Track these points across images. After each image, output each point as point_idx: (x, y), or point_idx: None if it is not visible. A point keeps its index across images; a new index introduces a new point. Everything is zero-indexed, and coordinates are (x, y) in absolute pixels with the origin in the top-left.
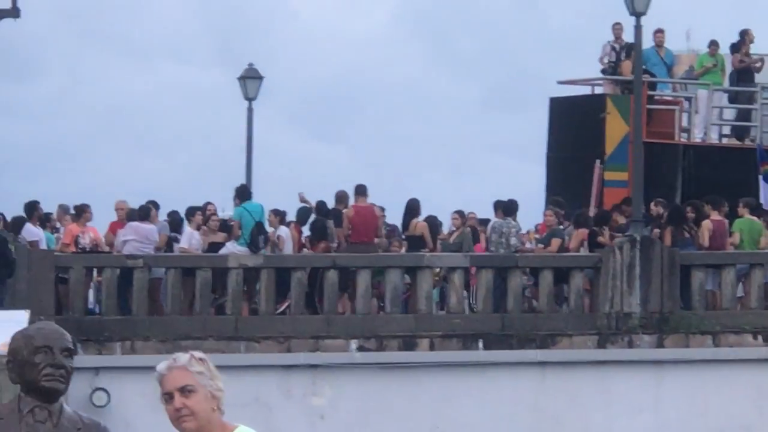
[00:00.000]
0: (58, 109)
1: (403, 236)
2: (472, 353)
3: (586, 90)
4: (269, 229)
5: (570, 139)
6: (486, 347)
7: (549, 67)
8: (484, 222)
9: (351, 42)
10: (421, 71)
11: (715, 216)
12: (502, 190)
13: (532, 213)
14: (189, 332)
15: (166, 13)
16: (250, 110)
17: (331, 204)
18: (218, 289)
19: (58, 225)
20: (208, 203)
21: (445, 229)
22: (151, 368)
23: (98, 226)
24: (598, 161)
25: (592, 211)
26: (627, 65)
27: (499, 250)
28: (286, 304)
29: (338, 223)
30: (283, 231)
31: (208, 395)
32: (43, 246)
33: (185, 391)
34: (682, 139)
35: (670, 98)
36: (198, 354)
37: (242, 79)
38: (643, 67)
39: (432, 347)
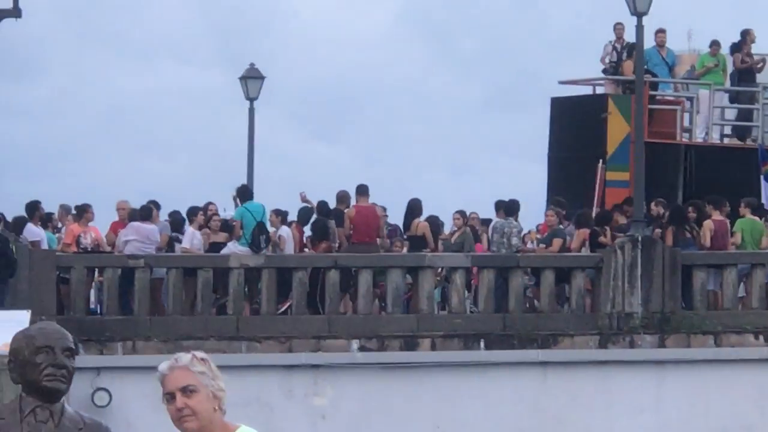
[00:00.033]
0: (59, 109)
1: (405, 236)
2: (474, 353)
3: (587, 90)
4: (270, 229)
5: (571, 139)
6: (487, 347)
7: (550, 67)
8: (486, 222)
9: (352, 42)
10: (422, 71)
11: (717, 216)
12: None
13: (534, 213)
14: (190, 332)
15: (167, 13)
16: (251, 110)
17: (332, 204)
18: (219, 289)
19: (59, 225)
20: (210, 203)
21: (447, 230)
22: (153, 368)
23: (100, 226)
24: (600, 161)
25: (594, 211)
26: (628, 65)
27: (500, 250)
28: (287, 304)
29: (339, 223)
30: (285, 231)
31: (209, 395)
32: (45, 246)
33: (187, 391)
34: (683, 139)
35: (671, 98)
36: (200, 354)
37: (243, 79)
38: (645, 67)
39: (433, 347)
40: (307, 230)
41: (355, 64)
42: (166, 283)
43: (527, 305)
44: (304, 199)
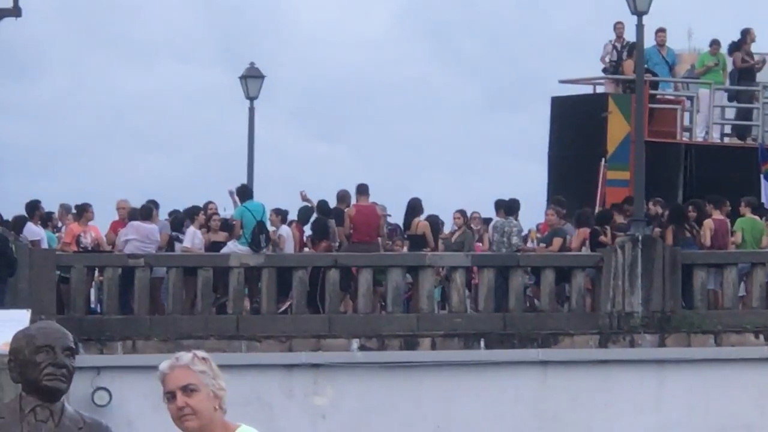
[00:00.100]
0: (59, 108)
1: (405, 235)
2: (474, 353)
3: (587, 89)
4: (270, 229)
5: (571, 139)
6: (487, 347)
7: (551, 66)
8: (488, 221)
9: (353, 41)
10: (422, 71)
11: (717, 215)
12: (503, 190)
13: (534, 212)
14: (190, 331)
15: (167, 13)
16: (251, 109)
17: (332, 203)
18: (220, 289)
19: (59, 224)
20: (210, 202)
21: (447, 229)
22: (153, 367)
23: (100, 226)
24: (603, 160)
25: (597, 211)
26: (629, 64)
27: (500, 250)
28: (287, 303)
29: (340, 223)
30: (285, 230)
31: (210, 394)
32: (45, 245)
33: (188, 390)
34: (683, 139)
35: (671, 97)
36: (200, 353)
37: (243, 78)
38: (645, 66)
39: (433, 347)
40: (308, 229)
41: (355, 63)
42: (166, 282)
43: (527, 304)
44: (304, 198)
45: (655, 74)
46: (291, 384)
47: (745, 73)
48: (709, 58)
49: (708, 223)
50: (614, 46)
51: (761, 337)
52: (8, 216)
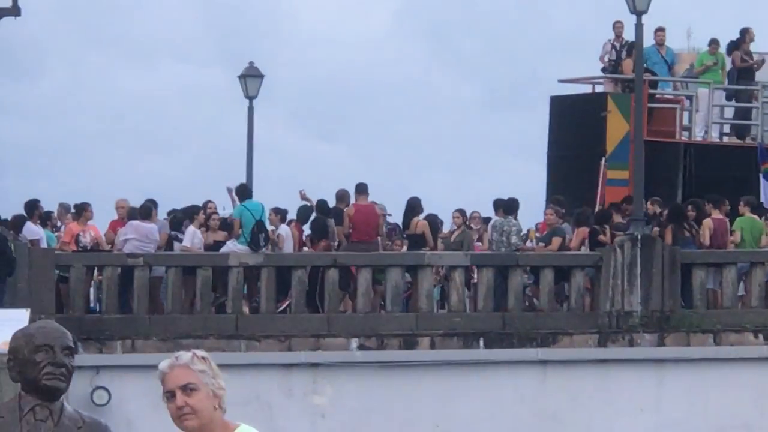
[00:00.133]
0: (58, 108)
1: (404, 235)
2: (473, 352)
3: (586, 88)
4: (270, 228)
5: (571, 138)
6: (487, 346)
7: (550, 65)
8: (487, 221)
9: (352, 41)
10: (422, 70)
11: (716, 214)
12: (503, 189)
13: (533, 212)
14: (189, 331)
15: (167, 12)
16: (250, 109)
17: (331, 203)
18: (219, 288)
19: (58, 224)
20: (209, 201)
21: (446, 228)
22: (152, 367)
23: (99, 225)
24: (603, 160)
25: (597, 210)
26: (628, 64)
27: (499, 249)
28: (286, 302)
29: (339, 222)
30: (284, 229)
31: (210, 394)
32: (44, 245)
33: (187, 389)
34: (683, 138)
35: (670, 97)
36: (200, 352)
37: (243, 77)
38: (644, 65)
39: (433, 346)
40: (307, 229)
41: (354, 62)
42: (166, 281)
43: (527, 304)
44: (303, 197)
45: (654, 74)
46: (290, 383)
47: (744, 73)
48: (707, 58)
49: (707, 222)
50: (613, 46)
51: (760, 336)
52: (7, 215)
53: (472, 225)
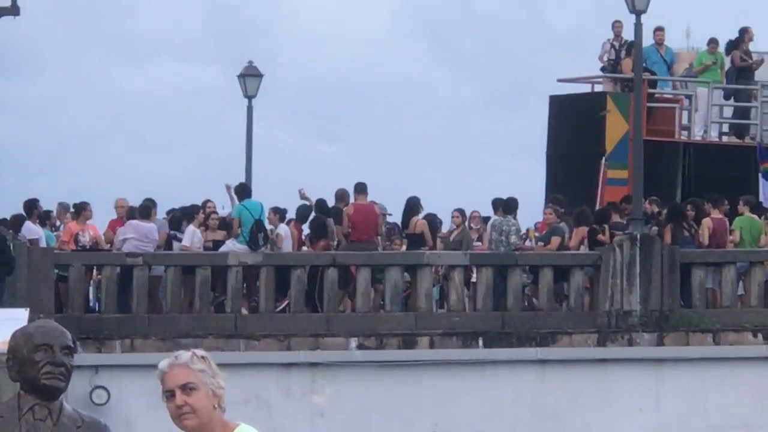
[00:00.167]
0: (57, 107)
1: (403, 234)
2: (472, 351)
3: (586, 88)
4: (269, 227)
5: (570, 138)
6: (486, 345)
7: (549, 65)
8: (488, 220)
9: (351, 40)
10: (421, 70)
11: (716, 214)
12: (502, 189)
13: (532, 211)
14: (189, 330)
15: (166, 11)
16: (249, 108)
17: (331, 202)
18: (218, 287)
19: (57, 223)
20: (208, 200)
21: (445, 228)
22: (151, 366)
23: (98, 224)
24: (604, 159)
25: (597, 209)
26: (627, 63)
27: (499, 249)
28: (285, 302)
29: (338, 221)
30: (282, 229)
31: (209, 393)
32: (43, 244)
33: (187, 388)
34: (682, 137)
35: (670, 96)
36: (200, 352)
37: (242, 76)
38: (643, 65)
39: (432, 345)
40: (306, 228)
41: (354, 62)
42: (165, 281)
43: (526, 303)
44: (302, 197)
45: (653, 73)
46: (289, 383)
47: (743, 72)
48: (706, 57)
49: (706, 221)
50: (612, 45)
51: (759, 335)
52: (6, 215)
53: (472, 225)
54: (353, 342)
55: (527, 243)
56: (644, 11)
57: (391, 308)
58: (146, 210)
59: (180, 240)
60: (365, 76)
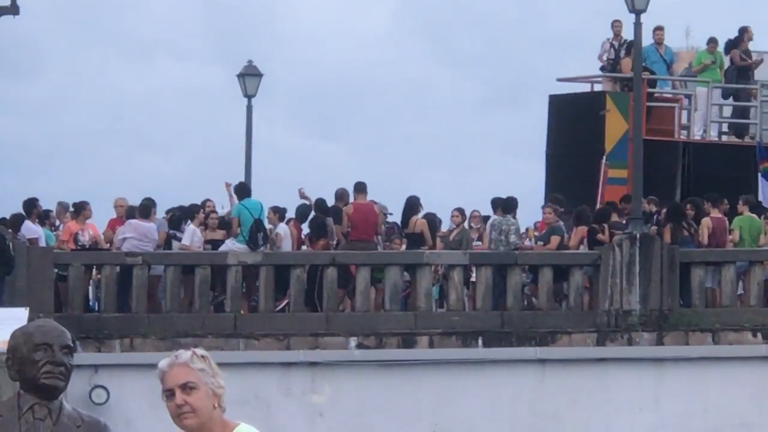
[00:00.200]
0: (56, 106)
1: (403, 234)
2: (472, 351)
3: (585, 87)
4: (268, 227)
5: (569, 137)
6: (485, 345)
7: (549, 64)
8: (487, 220)
9: (351, 39)
10: (421, 69)
11: (715, 213)
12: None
13: (532, 210)
14: (188, 329)
15: (165, 10)
16: (249, 107)
17: (330, 201)
18: (217, 287)
19: (57, 222)
20: (207, 200)
21: (445, 227)
22: (151, 366)
23: (97, 224)
24: (604, 159)
25: (597, 208)
26: (626, 62)
27: (498, 248)
28: (285, 301)
29: (338, 221)
30: (282, 228)
31: (209, 392)
32: (43, 243)
33: (187, 388)
34: (681, 137)
35: (669, 95)
36: (200, 351)
37: (241, 76)
38: (643, 64)
39: (431, 345)
40: (305, 227)
41: (353, 61)
42: (164, 280)
43: (525, 303)
44: (302, 196)
45: (652, 72)
46: (289, 382)
47: (742, 72)
48: (706, 56)
49: (706, 221)
50: (612, 45)
51: (759, 335)
52: (6, 214)
53: (472, 224)
54: (353, 341)
55: (527, 242)
56: (644, 11)
57: (390, 308)
58: (146, 209)
59: (179, 239)
60: (365, 76)
